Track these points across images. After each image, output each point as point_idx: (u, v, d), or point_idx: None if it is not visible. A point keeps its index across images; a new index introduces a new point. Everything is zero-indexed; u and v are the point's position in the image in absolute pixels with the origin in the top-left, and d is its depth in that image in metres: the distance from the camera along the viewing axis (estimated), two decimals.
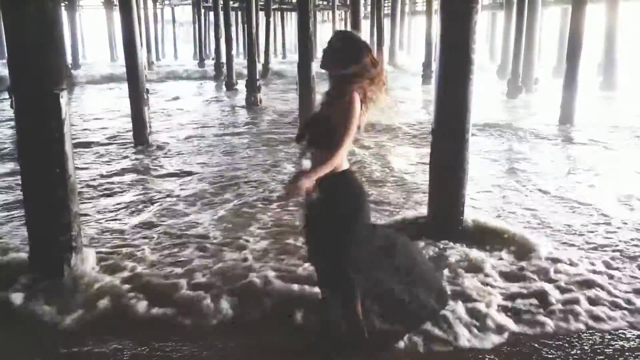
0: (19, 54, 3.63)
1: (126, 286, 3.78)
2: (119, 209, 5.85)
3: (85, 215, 5.42)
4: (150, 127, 9.57)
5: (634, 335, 3.23)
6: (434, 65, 4.52)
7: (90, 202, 6.06)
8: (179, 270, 4.12)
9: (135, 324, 3.38)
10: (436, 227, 4.61)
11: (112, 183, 6.95)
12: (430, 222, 4.69)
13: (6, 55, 3.72)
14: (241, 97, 15.68)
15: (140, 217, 5.55)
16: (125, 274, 4.03)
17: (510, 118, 11.88)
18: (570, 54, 9.95)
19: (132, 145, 9.28)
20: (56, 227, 3.79)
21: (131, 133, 9.47)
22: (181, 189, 6.61)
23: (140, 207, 5.93)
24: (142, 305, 3.53)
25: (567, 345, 3.14)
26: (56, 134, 3.69)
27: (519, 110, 13.39)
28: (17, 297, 3.56)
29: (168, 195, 6.31)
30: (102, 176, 7.30)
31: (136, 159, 8.38)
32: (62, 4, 26.60)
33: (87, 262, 4.01)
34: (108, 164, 8.11)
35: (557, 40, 25.01)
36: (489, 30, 30.31)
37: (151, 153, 8.84)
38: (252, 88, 14.94)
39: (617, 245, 4.61)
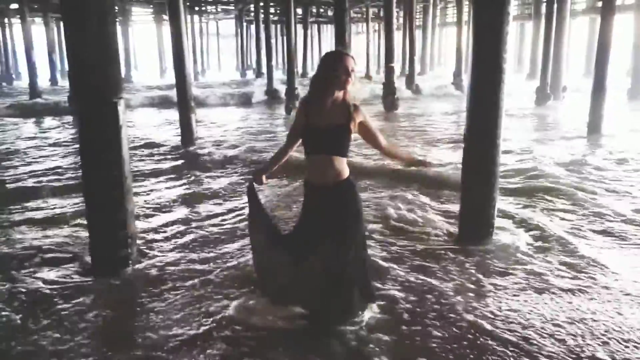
0: (81, 67, 3.77)
1: None
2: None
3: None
4: (196, 132, 9.83)
5: None
6: (464, 75, 4.46)
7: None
8: None
9: None
10: (467, 231, 4.58)
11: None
12: (461, 227, 4.66)
13: (67, 68, 3.86)
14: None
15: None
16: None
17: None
18: (599, 63, 9.66)
19: (181, 147, 9.58)
20: (113, 225, 3.91)
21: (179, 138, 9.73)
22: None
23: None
24: None
25: None
26: (114, 139, 3.81)
27: (546, 119, 13.11)
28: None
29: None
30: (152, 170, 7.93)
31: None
32: (117, 20, 27.33)
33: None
34: (157, 163, 8.57)
35: (585, 48, 24.43)
36: (517, 40, 29.77)
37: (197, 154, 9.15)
38: (291, 96, 15.07)
39: None
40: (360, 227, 3.14)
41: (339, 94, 3.02)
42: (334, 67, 2.97)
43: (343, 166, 3.05)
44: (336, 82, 2.97)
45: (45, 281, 3.96)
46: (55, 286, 3.87)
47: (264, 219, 3.38)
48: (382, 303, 3.45)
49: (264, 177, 3.29)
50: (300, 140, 3.14)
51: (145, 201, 6.20)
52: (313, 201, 3.13)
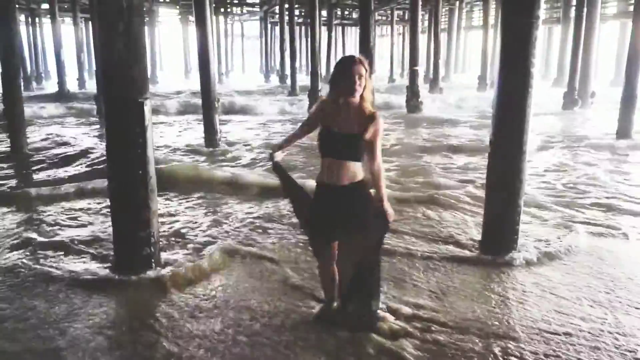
0: (109, 67, 3.82)
1: None
2: None
3: None
4: (220, 131, 9.92)
5: None
6: (489, 78, 4.41)
7: None
8: None
9: None
10: (491, 236, 4.52)
11: None
12: (485, 232, 4.59)
13: (95, 67, 3.92)
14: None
15: None
16: None
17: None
18: (629, 68, 9.48)
19: (204, 147, 9.69)
20: (137, 223, 3.95)
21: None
22: None
23: None
24: None
25: None
26: (140, 139, 3.85)
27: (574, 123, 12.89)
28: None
29: None
30: None
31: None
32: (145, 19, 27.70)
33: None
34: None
35: (615, 53, 23.97)
36: (545, 44, 29.34)
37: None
38: (314, 98, 15.12)
39: None
40: (371, 229, 3.10)
41: (354, 99, 2.96)
42: (345, 74, 2.93)
43: (357, 169, 3.02)
44: (346, 89, 2.94)
45: (67, 271, 4.13)
46: (77, 278, 4.04)
47: (295, 187, 3.41)
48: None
49: (279, 153, 3.33)
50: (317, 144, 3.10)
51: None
52: (324, 202, 3.09)
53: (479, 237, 4.72)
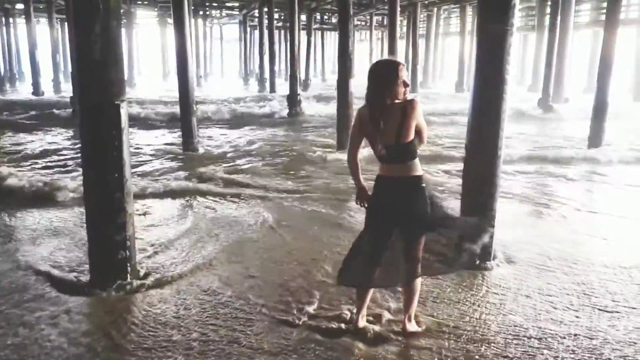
0: (85, 68, 3.77)
1: None
2: None
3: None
4: (198, 135, 9.87)
5: None
6: (466, 84, 4.47)
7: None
8: None
9: None
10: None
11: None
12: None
13: (71, 69, 3.87)
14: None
15: None
16: None
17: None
18: (601, 77, 9.60)
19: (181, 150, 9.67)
20: (113, 227, 3.90)
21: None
22: None
23: None
24: None
25: None
26: (116, 141, 3.81)
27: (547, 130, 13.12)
28: None
29: None
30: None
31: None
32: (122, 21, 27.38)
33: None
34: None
35: (588, 61, 24.49)
36: (520, 51, 29.84)
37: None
38: (293, 102, 15.12)
39: None
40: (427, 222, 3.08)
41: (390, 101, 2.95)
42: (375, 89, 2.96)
43: (414, 165, 3.01)
44: (377, 104, 2.96)
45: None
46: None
47: None
48: None
49: (364, 200, 3.20)
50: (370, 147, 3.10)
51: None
52: (383, 195, 3.06)
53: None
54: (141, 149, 10.14)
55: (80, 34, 3.73)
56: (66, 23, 19.44)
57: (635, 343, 3.21)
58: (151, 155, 9.58)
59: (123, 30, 26.94)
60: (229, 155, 9.64)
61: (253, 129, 13.24)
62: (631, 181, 7.53)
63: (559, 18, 15.52)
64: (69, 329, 3.34)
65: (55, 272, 4.20)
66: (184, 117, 9.57)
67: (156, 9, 30.50)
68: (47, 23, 22.24)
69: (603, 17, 12.13)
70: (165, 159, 9.16)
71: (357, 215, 5.49)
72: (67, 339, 3.20)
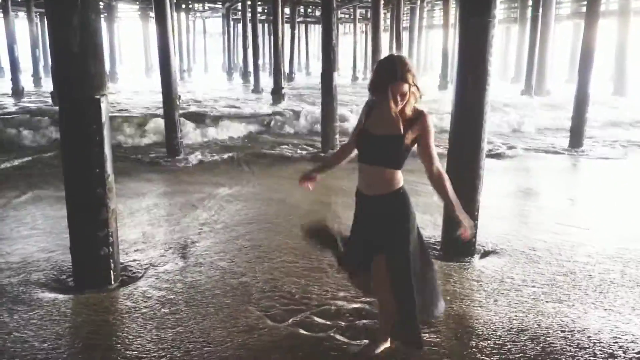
0: (64, 62, 3.70)
1: None
2: None
3: None
4: (180, 130, 9.70)
5: None
6: (449, 77, 4.49)
7: None
8: None
9: None
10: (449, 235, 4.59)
11: None
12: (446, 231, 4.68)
13: (51, 63, 3.79)
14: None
15: None
16: None
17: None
18: (582, 68, 9.65)
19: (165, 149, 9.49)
20: (95, 224, 3.85)
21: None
22: None
23: None
24: None
25: None
26: (97, 136, 3.76)
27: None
28: None
29: None
30: None
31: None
32: (102, 15, 27.05)
33: None
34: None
35: (569, 53, 24.75)
36: (502, 43, 30.03)
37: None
38: (278, 95, 15.08)
39: None
40: (410, 242, 2.73)
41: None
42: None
43: (394, 178, 2.69)
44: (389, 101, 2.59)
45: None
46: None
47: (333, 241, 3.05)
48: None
49: (310, 183, 2.99)
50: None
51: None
52: (361, 212, 2.85)
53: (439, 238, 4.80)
54: None
55: (58, 26, 3.65)
56: (45, 17, 19.10)
57: None
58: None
59: (104, 25, 26.75)
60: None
61: None
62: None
63: (540, 10, 15.64)
64: (46, 327, 3.30)
65: (37, 273, 4.14)
66: (167, 112, 9.37)
67: (138, 2, 30.14)
68: (26, 17, 21.86)
69: (584, 9, 12.22)
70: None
71: None
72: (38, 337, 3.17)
